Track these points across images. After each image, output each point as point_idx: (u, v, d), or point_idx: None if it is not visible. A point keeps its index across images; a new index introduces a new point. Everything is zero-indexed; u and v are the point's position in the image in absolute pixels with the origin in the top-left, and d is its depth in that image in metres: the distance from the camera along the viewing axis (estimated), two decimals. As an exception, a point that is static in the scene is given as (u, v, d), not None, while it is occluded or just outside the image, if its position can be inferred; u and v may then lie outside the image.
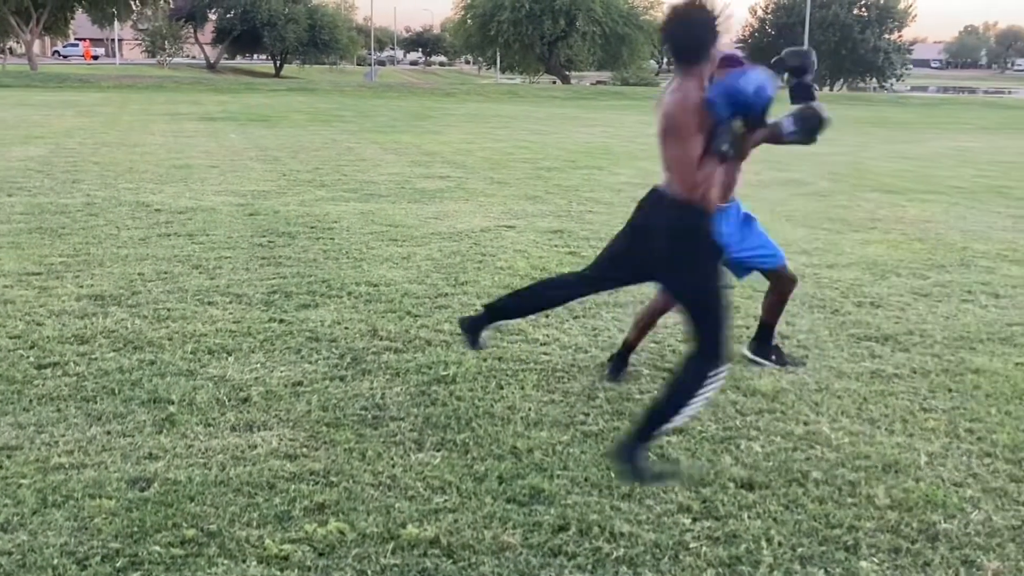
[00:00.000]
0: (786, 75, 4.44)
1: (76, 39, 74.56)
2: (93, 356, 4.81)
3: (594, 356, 4.99)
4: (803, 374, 4.87)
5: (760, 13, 69.11)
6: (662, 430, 3.58)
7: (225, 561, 2.95)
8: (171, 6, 60.74)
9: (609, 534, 3.17)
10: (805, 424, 4.19)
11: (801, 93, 4.24)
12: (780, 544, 3.15)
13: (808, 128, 4.02)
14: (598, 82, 64.08)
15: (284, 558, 2.97)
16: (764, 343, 5.05)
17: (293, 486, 3.44)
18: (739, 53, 4.61)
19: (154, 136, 17.27)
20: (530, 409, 4.25)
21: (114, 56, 69.74)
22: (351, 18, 78.10)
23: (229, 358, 4.85)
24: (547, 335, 5.39)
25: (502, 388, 4.52)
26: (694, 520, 3.29)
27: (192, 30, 66.88)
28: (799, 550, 3.12)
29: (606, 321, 5.70)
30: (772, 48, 53.26)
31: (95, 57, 73.13)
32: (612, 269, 3.98)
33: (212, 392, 4.36)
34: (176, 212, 9.10)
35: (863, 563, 3.05)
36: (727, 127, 3.39)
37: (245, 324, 5.43)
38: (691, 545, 3.13)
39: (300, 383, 4.52)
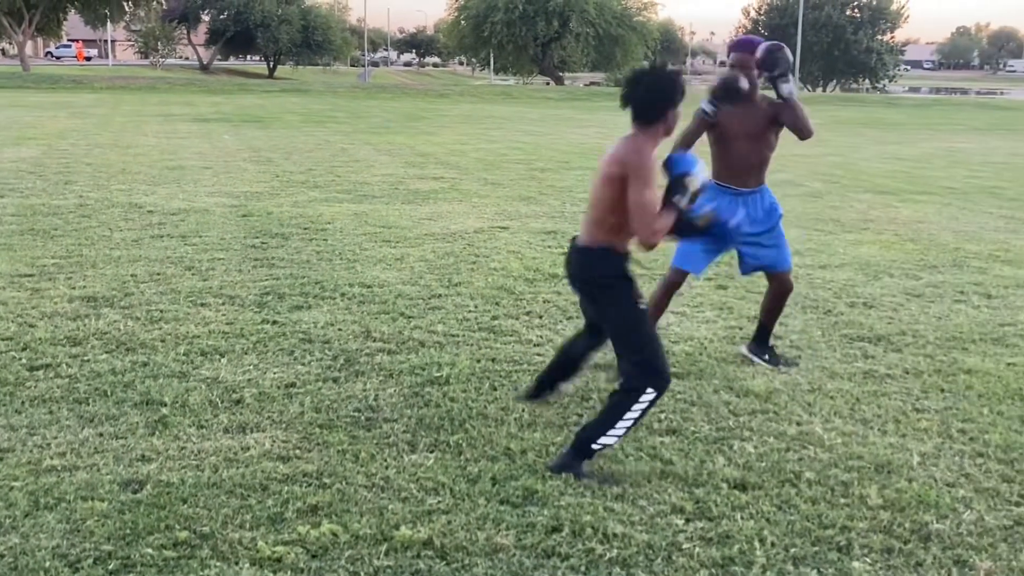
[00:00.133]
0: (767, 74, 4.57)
1: (69, 40, 74.32)
2: (85, 358, 4.80)
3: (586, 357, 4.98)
4: (796, 375, 4.88)
5: (753, 14, 69.21)
6: (594, 449, 3.63)
7: (218, 563, 2.94)
8: (164, 7, 60.64)
9: (602, 535, 3.17)
10: (798, 424, 4.20)
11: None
12: (773, 544, 3.15)
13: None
14: (592, 83, 64.14)
15: (277, 560, 2.97)
16: (762, 344, 5.11)
17: (286, 488, 3.44)
18: (756, 38, 4.72)
19: (147, 137, 17.24)
20: (523, 410, 4.25)
21: (107, 57, 69.57)
22: (344, 19, 78.03)
23: (222, 360, 4.84)
24: (540, 336, 5.40)
25: (495, 389, 4.52)
26: (687, 521, 3.29)
27: (185, 31, 66.69)
28: (792, 550, 3.12)
29: (599, 322, 5.69)
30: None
31: (88, 58, 72.88)
32: (585, 315, 4.18)
33: (205, 394, 4.35)
34: (169, 213, 9.09)
35: (856, 563, 3.06)
36: (681, 183, 3.60)
37: (238, 326, 5.42)
38: (684, 546, 3.13)
39: (293, 385, 4.52)
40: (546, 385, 4.31)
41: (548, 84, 57.77)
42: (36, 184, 10.83)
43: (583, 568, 2.99)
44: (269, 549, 3.01)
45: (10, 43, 52.58)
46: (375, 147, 16.80)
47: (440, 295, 6.25)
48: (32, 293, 6.01)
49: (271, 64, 67.64)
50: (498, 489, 3.47)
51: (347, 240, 8.03)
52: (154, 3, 56.68)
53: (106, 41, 71.34)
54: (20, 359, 4.76)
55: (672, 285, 5.09)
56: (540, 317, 5.72)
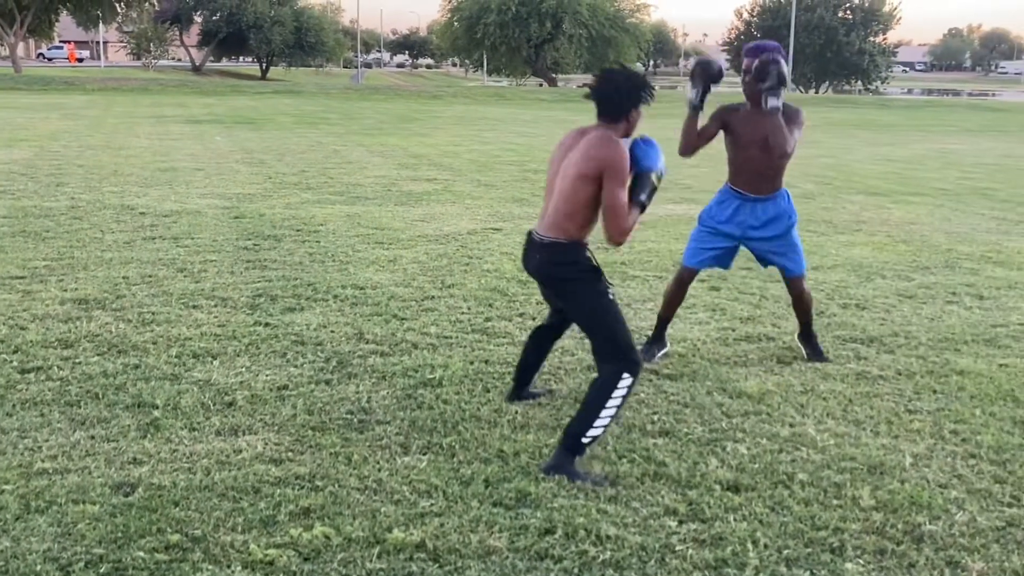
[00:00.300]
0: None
1: (61, 41, 74.17)
2: (77, 360, 4.78)
3: (580, 359, 4.99)
4: (789, 376, 4.89)
5: (746, 16, 69.38)
6: (584, 443, 3.66)
7: (210, 566, 2.93)
8: (156, 8, 60.52)
9: (595, 537, 3.17)
10: (791, 426, 4.20)
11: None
12: (766, 546, 3.15)
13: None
14: (585, 84, 64.11)
15: (269, 563, 2.96)
16: (809, 340, 5.26)
17: (278, 490, 3.43)
18: (770, 43, 4.80)
19: (139, 139, 17.20)
20: (517, 412, 4.24)
21: (99, 58, 69.47)
22: (337, 20, 78.10)
23: (214, 362, 4.83)
24: (533, 338, 5.39)
25: (488, 391, 4.51)
26: (680, 523, 3.29)
27: (177, 32, 66.60)
28: (785, 552, 3.12)
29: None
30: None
31: (80, 59, 72.74)
32: (551, 304, 4.27)
33: (197, 396, 4.33)
34: (161, 215, 9.07)
35: (849, 565, 3.06)
36: (647, 179, 3.73)
37: (230, 328, 5.41)
38: (677, 548, 3.13)
39: (285, 387, 4.50)
40: (523, 381, 4.41)
41: (541, 86, 57.81)
42: (28, 186, 10.80)
43: (576, 570, 2.99)
44: (261, 552, 3.00)
45: (1, 44, 52.40)
46: (368, 149, 16.78)
47: (433, 297, 6.24)
48: (23, 295, 5.99)
49: (264, 65, 67.54)
50: (491, 491, 3.47)
51: (340, 242, 8.02)
52: (146, 4, 56.60)
53: (98, 42, 71.23)
54: (11, 362, 4.74)
55: (684, 281, 5.19)
56: (533, 319, 5.71)
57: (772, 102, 4.64)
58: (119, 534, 3.09)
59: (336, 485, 3.49)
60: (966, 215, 10.76)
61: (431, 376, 4.69)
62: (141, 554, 2.98)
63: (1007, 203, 11.89)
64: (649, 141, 3.82)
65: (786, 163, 4.94)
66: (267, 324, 5.50)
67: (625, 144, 3.74)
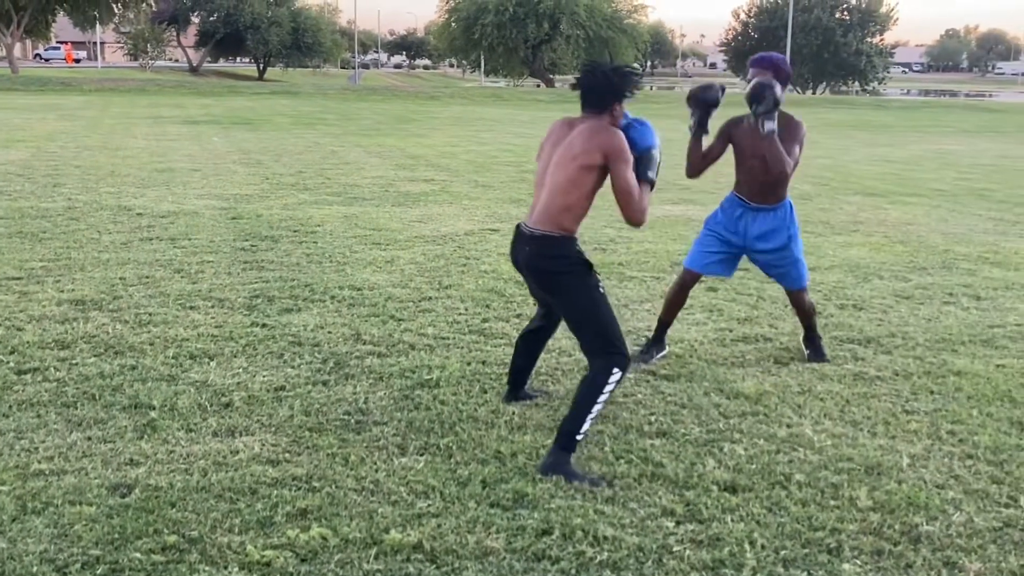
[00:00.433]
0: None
1: (58, 42, 74.05)
2: (74, 361, 4.78)
3: (578, 360, 4.99)
4: (786, 376, 4.89)
5: (743, 17, 69.41)
6: (577, 440, 3.67)
7: (207, 568, 2.93)
8: (153, 9, 60.47)
9: (593, 538, 3.17)
10: (788, 427, 4.20)
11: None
12: (763, 547, 3.15)
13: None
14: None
15: (266, 564, 2.96)
16: (812, 341, 5.28)
17: (275, 492, 3.42)
18: (776, 55, 4.83)
19: (136, 140, 17.19)
20: (514, 413, 4.24)
21: (96, 59, 69.36)
22: (334, 21, 77.87)
23: (211, 363, 4.83)
24: (531, 339, 5.38)
25: (486, 392, 4.51)
26: (677, 523, 3.29)
27: (174, 33, 66.56)
28: (782, 553, 3.12)
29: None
30: (754, 52, 53.44)
31: (77, 60, 72.69)
32: (539, 301, 4.29)
33: (194, 397, 4.33)
34: (158, 216, 9.06)
35: (846, 566, 3.06)
36: (651, 157, 3.79)
37: (227, 329, 5.40)
38: (674, 548, 3.13)
39: (282, 388, 4.50)
40: (517, 384, 4.41)
41: (539, 86, 57.79)
42: (24, 187, 10.79)
43: (573, 571, 2.99)
44: (258, 553, 3.00)
45: (-2, 45, 52.35)
46: (365, 149, 16.78)
47: (430, 298, 6.24)
48: (20, 296, 5.98)
49: (261, 66, 67.50)
50: (488, 492, 3.47)
51: (337, 243, 8.01)
52: (143, 5, 56.54)
53: (95, 43, 71.11)
54: (8, 363, 4.73)
55: (685, 284, 5.21)
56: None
57: (768, 126, 4.65)
58: (116, 535, 3.08)
59: (333, 486, 3.48)
60: (963, 216, 10.77)
61: (428, 377, 4.69)
62: (138, 555, 2.97)
63: (1004, 204, 11.91)
64: (641, 121, 3.87)
65: (789, 173, 4.94)
66: (264, 325, 5.50)
67: None
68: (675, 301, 5.22)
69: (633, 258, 7.72)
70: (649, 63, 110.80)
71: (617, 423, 4.16)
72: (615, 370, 3.69)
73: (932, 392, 4.72)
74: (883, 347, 5.46)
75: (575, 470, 3.63)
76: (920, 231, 9.55)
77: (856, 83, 66.08)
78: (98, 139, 17.03)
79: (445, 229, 8.82)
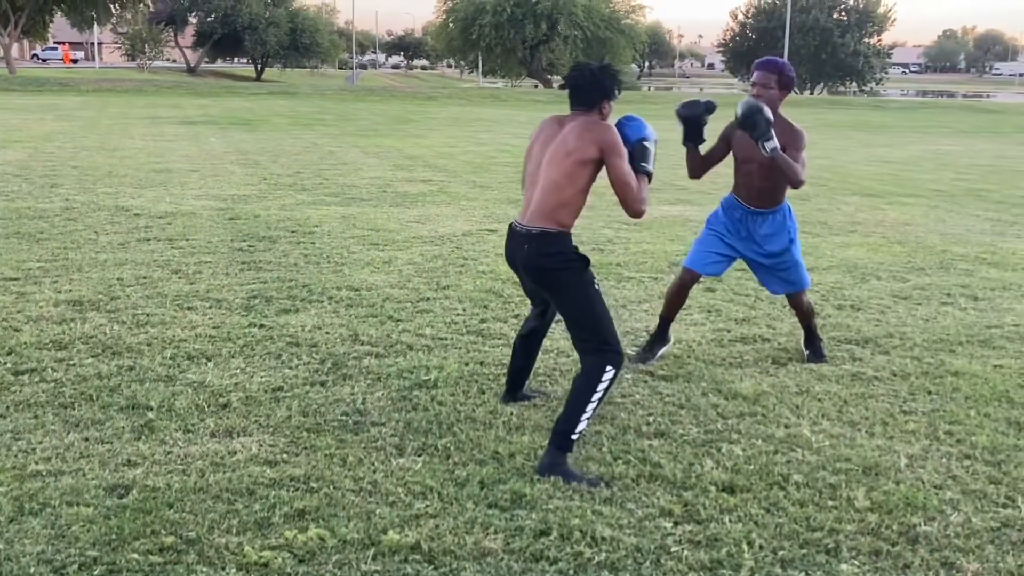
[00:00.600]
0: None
1: (55, 42, 74.06)
2: (71, 362, 4.77)
3: (575, 360, 4.97)
4: (784, 377, 4.89)
5: (741, 17, 69.47)
6: (573, 439, 3.68)
7: (204, 568, 2.93)
8: (151, 9, 60.42)
9: (591, 538, 3.16)
10: (786, 427, 4.20)
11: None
12: (761, 547, 3.15)
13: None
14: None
15: (264, 565, 2.95)
16: (812, 342, 5.28)
17: (273, 492, 3.42)
18: (779, 59, 4.88)
19: (134, 140, 17.17)
20: (512, 414, 4.24)
21: (93, 60, 69.33)
22: (332, 22, 78.14)
23: (209, 364, 4.82)
24: (529, 339, 5.38)
25: (484, 393, 4.51)
26: (675, 524, 3.29)
27: (172, 33, 66.50)
28: (780, 553, 3.12)
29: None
30: (752, 52, 53.56)
31: (74, 61, 72.64)
32: (533, 299, 4.28)
33: (191, 398, 4.32)
34: (156, 216, 9.05)
35: (844, 566, 3.06)
36: (646, 149, 3.84)
37: (225, 329, 5.40)
38: (672, 549, 3.13)
39: (280, 388, 4.50)
40: (516, 384, 4.41)
41: (537, 87, 57.80)
42: (22, 187, 10.78)
43: (571, 572, 2.98)
44: (256, 554, 3.00)
45: (-4, 45, 52.28)
46: (363, 150, 16.77)
47: (428, 298, 6.24)
48: (17, 297, 5.97)
49: (259, 67, 67.45)
50: (486, 493, 3.46)
51: (335, 243, 8.01)
52: (141, 5, 56.48)
53: (93, 44, 71.11)
54: (5, 363, 4.72)
55: (684, 284, 5.20)
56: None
57: (769, 145, 4.63)
58: (113, 536, 3.08)
59: (331, 487, 3.48)
60: (961, 216, 10.78)
61: (426, 378, 4.68)
62: (135, 556, 2.97)
63: (1001, 204, 11.92)
64: (632, 117, 3.92)
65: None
66: (262, 326, 5.49)
67: None
68: (675, 301, 5.22)
69: (631, 259, 7.72)
70: (647, 64, 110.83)
71: (615, 423, 4.16)
72: (608, 368, 3.69)
73: (930, 392, 4.72)
74: (881, 347, 5.46)
75: (573, 470, 3.62)
76: (918, 231, 9.55)
77: (854, 84, 66.14)
78: (95, 139, 17.02)
79: (443, 230, 8.82)
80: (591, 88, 3.81)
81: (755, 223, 5.02)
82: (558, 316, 4.10)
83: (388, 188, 11.67)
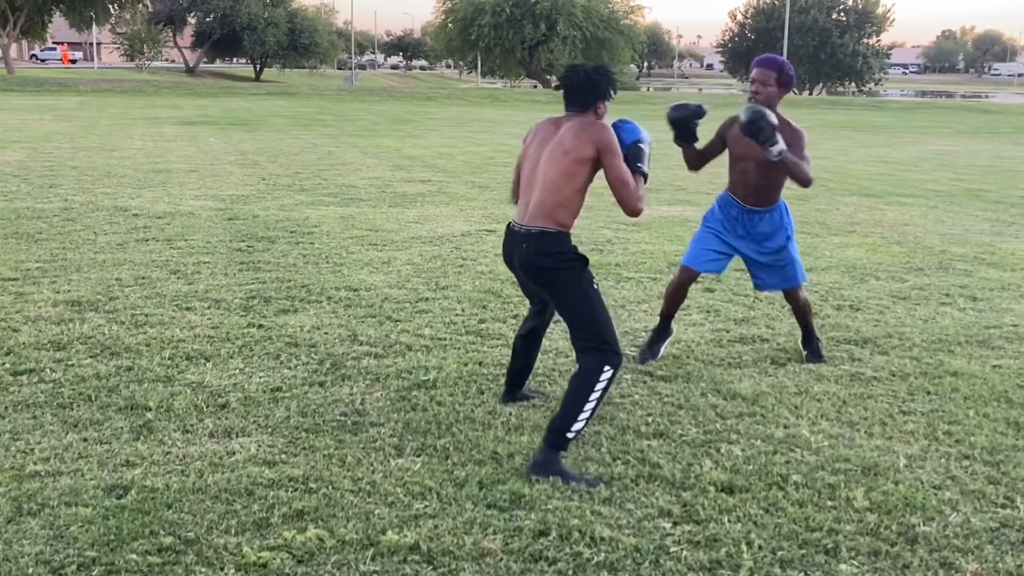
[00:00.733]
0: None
1: (54, 43, 74.07)
2: (70, 362, 4.77)
3: (574, 361, 4.98)
4: (783, 377, 4.89)
5: (740, 18, 69.51)
6: (568, 439, 3.67)
7: (203, 569, 2.92)
8: (149, 9, 60.42)
9: (590, 539, 3.16)
10: (785, 427, 4.20)
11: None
12: (760, 548, 3.15)
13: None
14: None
15: (262, 565, 2.95)
16: (809, 342, 5.28)
17: (272, 493, 3.42)
18: (780, 57, 4.89)
19: (133, 140, 17.17)
20: (511, 414, 4.24)
21: (92, 60, 69.34)
22: (331, 22, 77.98)
23: (207, 364, 4.82)
24: (528, 339, 5.38)
25: (483, 393, 4.51)
26: (675, 524, 3.29)
27: (171, 34, 66.49)
28: (779, 553, 3.12)
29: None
30: (751, 52, 53.55)
31: (73, 61, 72.62)
32: (532, 299, 4.30)
33: (190, 398, 4.32)
34: (154, 217, 9.05)
35: (843, 566, 3.06)
36: (641, 150, 3.86)
37: (223, 330, 5.39)
38: (672, 549, 3.12)
39: (279, 389, 4.49)
40: (515, 384, 4.41)
41: (536, 87, 57.80)
42: (20, 187, 10.77)
43: (570, 572, 2.98)
44: (255, 554, 2.99)
45: (-6, 45, 52.27)
46: (362, 150, 16.77)
47: (427, 298, 6.24)
48: (16, 297, 5.97)
49: (257, 67, 67.45)
50: (485, 493, 3.46)
51: (334, 243, 8.01)
52: (139, 5, 56.50)
53: (91, 44, 71.13)
54: (3, 364, 4.72)
55: (683, 283, 5.19)
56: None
57: (776, 148, 4.62)
58: (112, 537, 3.08)
59: (330, 487, 3.48)
60: (960, 216, 10.79)
61: (425, 378, 4.68)
62: (134, 557, 2.97)
63: (1000, 204, 11.92)
64: (626, 121, 3.95)
65: (784, 179, 4.93)
66: (260, 326, 5.49)
67: None
68: (675, 299, 5.22)
69: (630, 259, 7.72)
70: (646, 64, 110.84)
71: (614, 424, 4.16)
72: (606, 368, 3.69)
73: (929, 393, 4.72)
74: (880, 348, 5.46)
75: (568, 469, 3.62)
76: (917, 232, 9.55)
77: (852, 84, 66.17)
78: (94, 140, 17.02)
79: (442, 230, 8.82)
80: (586, 89, 3.83)
81: (752, 221, 5.02)
82: (557, 316, 4.10)
83: (387, 188, 11.66)
